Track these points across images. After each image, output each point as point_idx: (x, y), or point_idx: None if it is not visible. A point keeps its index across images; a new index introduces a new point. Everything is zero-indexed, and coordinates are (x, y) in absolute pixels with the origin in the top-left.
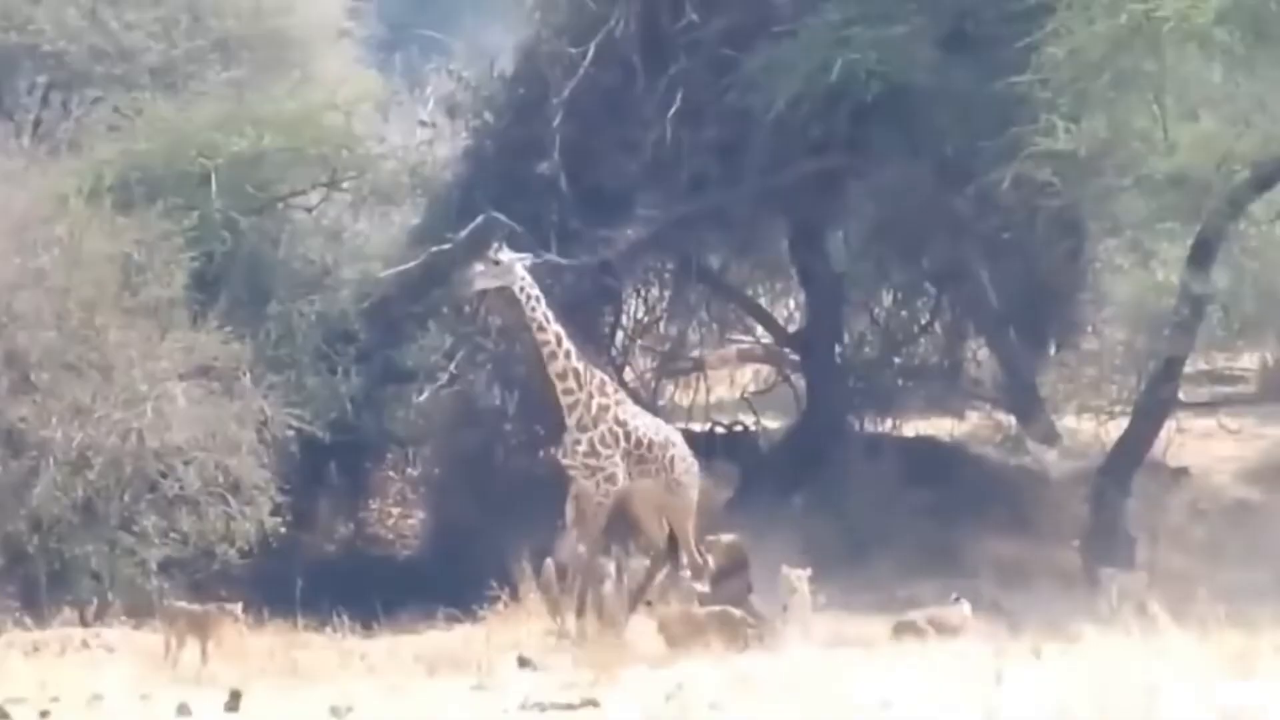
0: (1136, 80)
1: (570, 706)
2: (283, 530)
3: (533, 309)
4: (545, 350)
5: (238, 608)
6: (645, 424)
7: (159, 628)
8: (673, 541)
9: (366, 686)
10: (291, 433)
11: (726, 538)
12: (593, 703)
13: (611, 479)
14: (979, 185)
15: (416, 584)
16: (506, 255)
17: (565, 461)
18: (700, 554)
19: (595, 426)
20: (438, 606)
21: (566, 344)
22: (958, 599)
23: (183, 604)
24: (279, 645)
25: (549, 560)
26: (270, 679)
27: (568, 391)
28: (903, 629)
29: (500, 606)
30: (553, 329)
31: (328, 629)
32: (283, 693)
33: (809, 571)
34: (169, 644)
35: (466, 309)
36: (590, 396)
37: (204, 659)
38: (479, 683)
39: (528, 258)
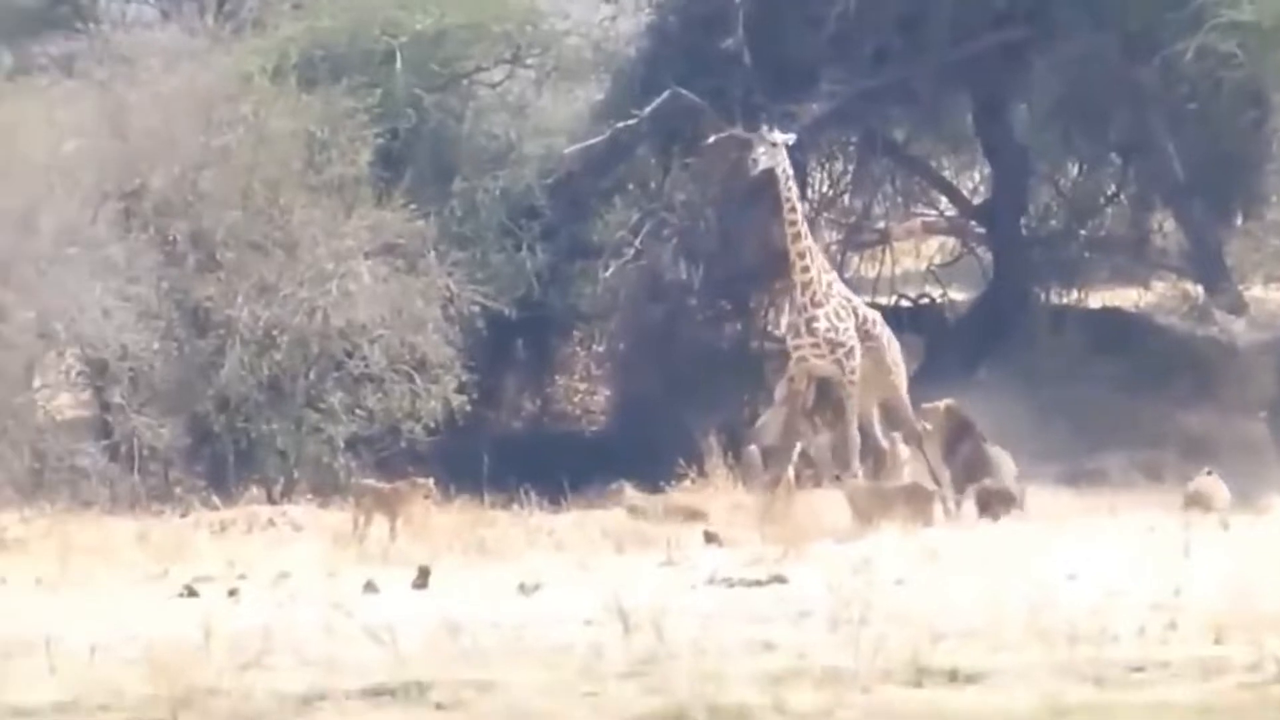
0: None
1: (757, 582)
2: (468, 408)
3: (789, 189)
4: (791, 230)
5: (429, 483)
6: (859, 301)
7: (346, 506)
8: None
9: (554, 563)
10: (477, 309)
11: (944, 403)
12: (779, 578)
13: (851, 353)
14: (1163, 57)
15: (603, 460)
16: (779, 136)
17: (796, 341)
18: (918, 422)
19: (828, 302)
20: (625, 482)
21: (806, 224)
22: (1210, 472)
23: (372, 481)
24: (466, 523)
25: (752, 447)
26: (457, 556)
27: (805, 269)
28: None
29: (687, 482)
30: (801, 209)
31: (514, 506)
32: (470, 570)
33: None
34: (357, 521)
35: (652, 184)
36: (821, 274)
37: (392, 536)
38: (667, 558)
39: (791, 137)
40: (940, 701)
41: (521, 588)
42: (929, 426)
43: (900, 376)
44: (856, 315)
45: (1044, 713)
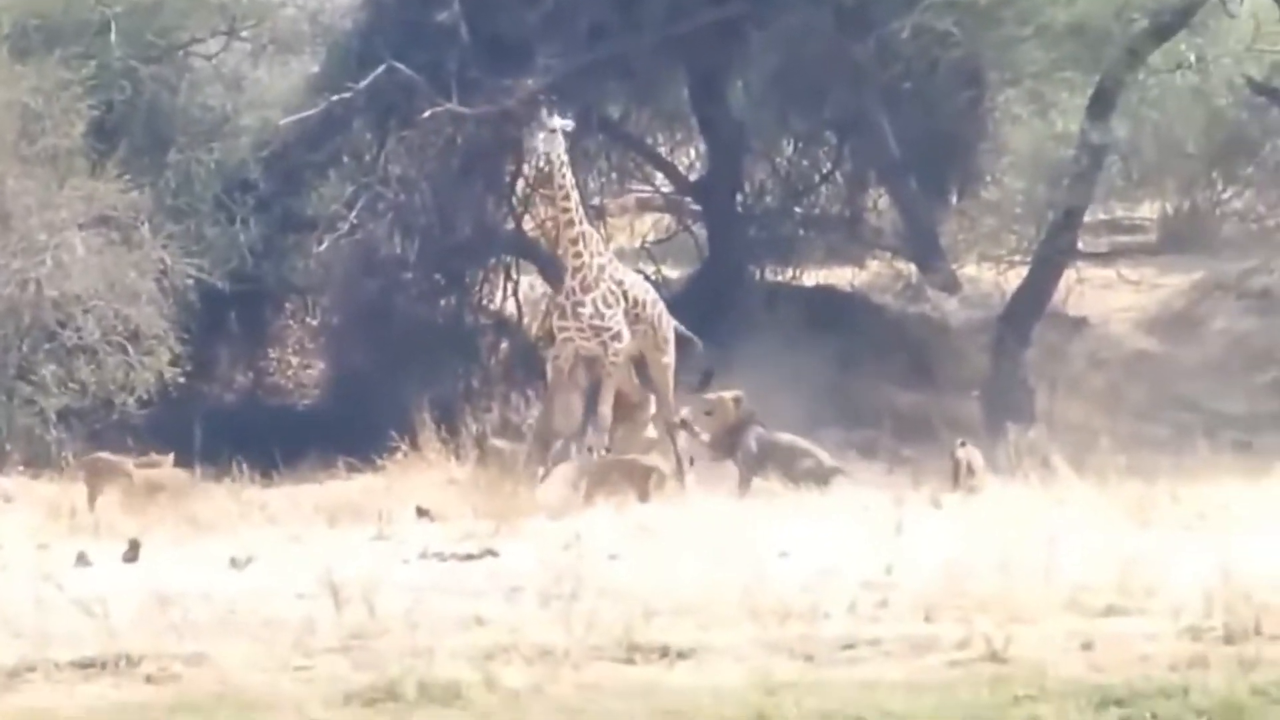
0: None
1: (469, 556)
2: (182, 380)
3: (564, 176)
4: (565, 216)
5: (169, 457)
6: (633, 281)
7: (58, 478)
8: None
9: (266, 536)
10: (191, 282)
11: (731, 394)
12: (491, 553)
13: (618, 337)
14: (880, 34)
15: (316, 434)
16: (557, 121)
17: (562, 324)
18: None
19: (597, 287)
20: (338, 456)
21: (581, 208)
22: (964, 443)
23: (106, 454)
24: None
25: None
26: (169, 529)
27: (577, 255)
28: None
29: (400, 456)
30: (575, 194)
31: (227, 479)
32: (182, 543)
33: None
34: (92, 496)
35: (367, 157)
36: (593, 257)
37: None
38: (379, 532)
39: (570, 124)
40: (652, 678)
41: (233, 561)
42: (709, 414)
43: (669, 356)
44: (626, 299)
45: (754, 689)
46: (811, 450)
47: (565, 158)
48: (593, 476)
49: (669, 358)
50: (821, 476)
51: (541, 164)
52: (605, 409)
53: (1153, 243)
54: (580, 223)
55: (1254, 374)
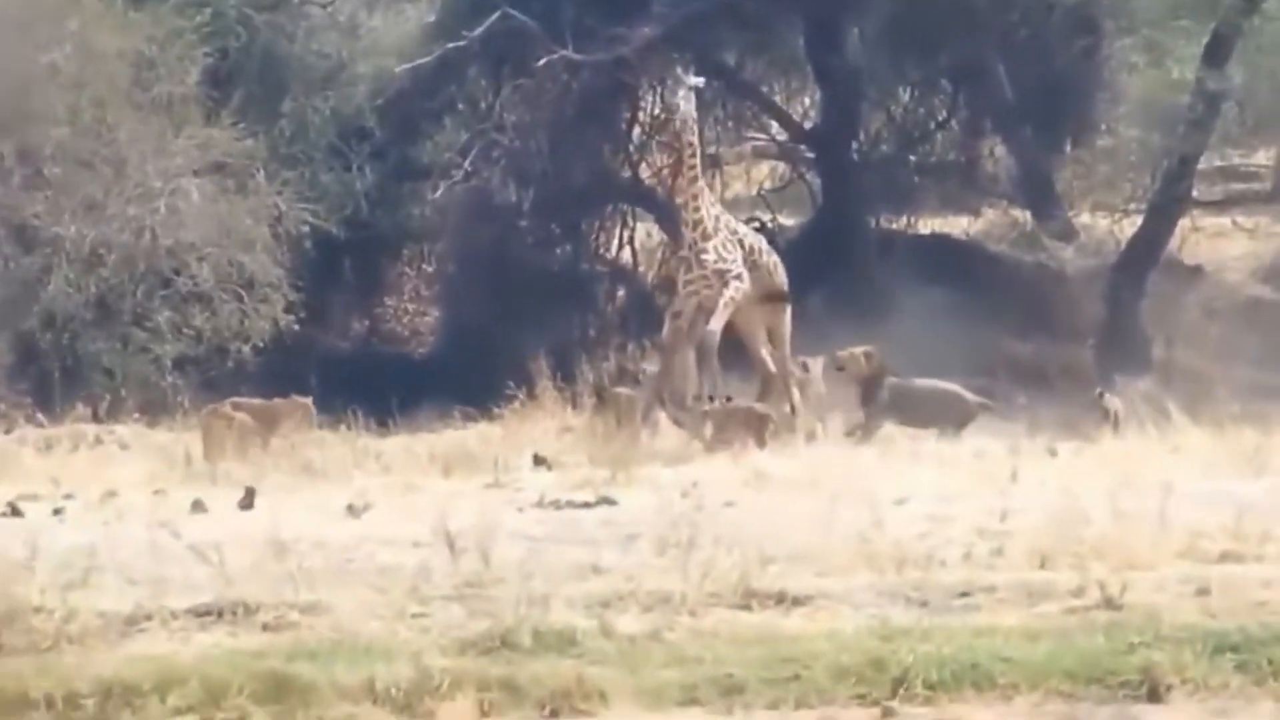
0: None
1: (585, 504)
2: (296, 327)
3: (693, 133)
4: (691, 173)
5: (308, 401)
6: (746, 230)
7: (174, 425)
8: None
9: (382, 485)
10: (306, 229)
11: (860, 349)
12: (608, 500)
13: (740, 278)
14: None
15: (432, 382)
16: (693, 79)
17: (687, 276)
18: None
19: (716, 235)
20: (454, 405)
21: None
22: (1102, 394)
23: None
24: (293, 442)
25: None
26: (285, 477)
27: (696, 209)
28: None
29: (516, 405)
30: (700, 152)
31: (342, 427)
32: (298, 491)
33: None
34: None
35: (482, 105)
36: (710, 208)
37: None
38: (494, 481)
39: (701, 81)
40: (768, 625)
41: (349, 509)
42: (841, 369)
43: (786, 304)
44: (743, 246)
45: (870, 636)
46: (952, 390)
47: (695, 115)
48: (714, 423)
49: (785, 305)
50: (965, 416)
51: (680, 123)
52: (716, 326)
53: (1268, 190)
54: (699, 179)
55: None
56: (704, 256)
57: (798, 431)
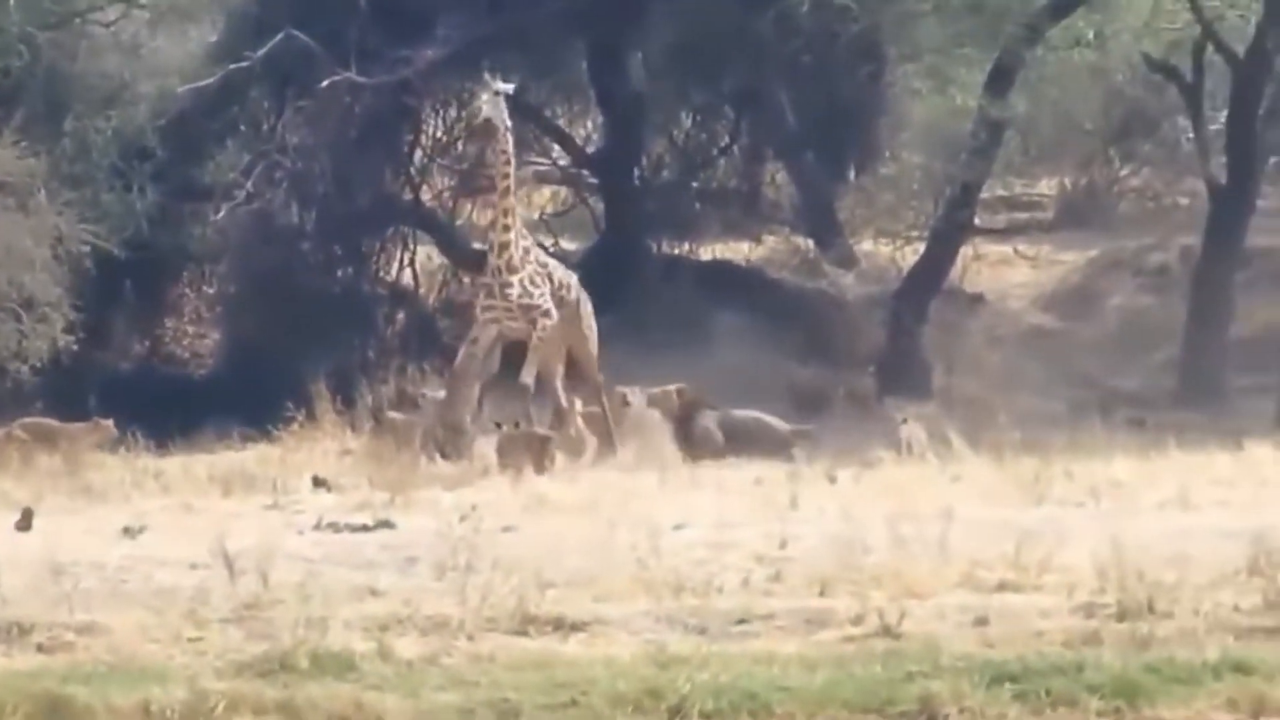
0: None
1: (365, 527)
2: (75, 348)
3: (506, 142)
4: (503, 184)
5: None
6: (555, 263)
7: None
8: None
9: (161, 506)
10: (87, 249)
11: (672, 386)
12: (387, 524)
13: (548, 314)
14: (780, 8)
15: (212, 403)
16: (501, 85)
17: (489, 303)
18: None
19: (524, 268)
20: (233, 426)
21: (514, 181)
22: (905, 420)
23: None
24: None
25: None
26: (62, 498)
27: (506, 229)
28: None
29: (296, 427)
30: (513, 166)
31: (121, 448)
32: (76, 512)
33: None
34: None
35: (265, 126)
36: (519, 236)
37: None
38: (274, 502)
39: (511, 88)
40: (545, 650)
41: (126, 530)
42: (664, 408)
43: (593, 339)
44: (552, 281)
45: (648, 663)
46: (767, 421)
47: (509, 124)
48: (497, 447)
49: (593, 338)
50: (783, 446)
51: (489, 130)
52: (529, 378)
53: (1050, 219)
54: (511, 194)
55: (1149, 351)
56: (508, 290)
57: (585, 459)
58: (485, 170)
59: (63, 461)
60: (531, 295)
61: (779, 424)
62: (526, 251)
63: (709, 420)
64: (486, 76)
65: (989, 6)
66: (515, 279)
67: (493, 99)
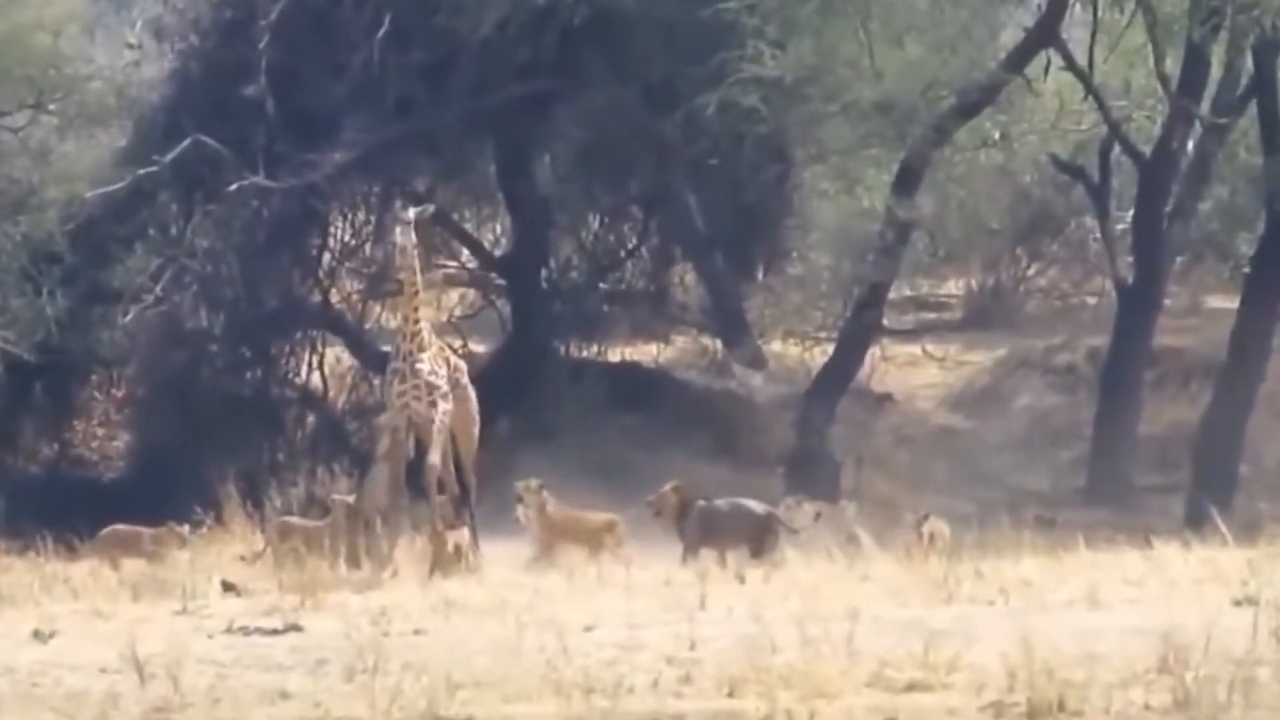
0: (843, 7)
1: (275, 631)
2: None
3: (413, 256)
4: (410, 287)
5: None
6: (449, 353)
7: None
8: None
9: (70, 610)
10: None
11: (670, 485)
12: (296, 627)
13: (446, 397)
14: (686, 110)
15: (121, 506)
16: (412, 213)
17: (400, 387)
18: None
19: (429, 347)
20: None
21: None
22: (927, 515)
23: None
24: None
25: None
26: None
27: (417, 320)
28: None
29: (204, 530)
30: (420, 276)
31: (30, 553)
32: None
33: (539, 481)
34: None
35: (173, 230)
36: (424, 323)
37: None
38: (183, 607)
39: (429, 208)
40: None
41: (36, 634)
42: (662, 509)
43: (475, 425)
44: (449, 364)
45: None
46: (750, 508)
47: (415, 241)
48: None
49: (476, 427)
50: (770, 534)
51: (400, 255)
52: (436, 458)
53: (958, 319)
54: (420, 293)
55: (1057, 450)
56: (419, 366)
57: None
58: (395, 275)
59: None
60: (437, 374)
61: (759, 510)
62: (429, 337)
63: (694, 512)
64: (397, 206)
65: (896, 107)
66: (425, 356)
67: (405, 229)
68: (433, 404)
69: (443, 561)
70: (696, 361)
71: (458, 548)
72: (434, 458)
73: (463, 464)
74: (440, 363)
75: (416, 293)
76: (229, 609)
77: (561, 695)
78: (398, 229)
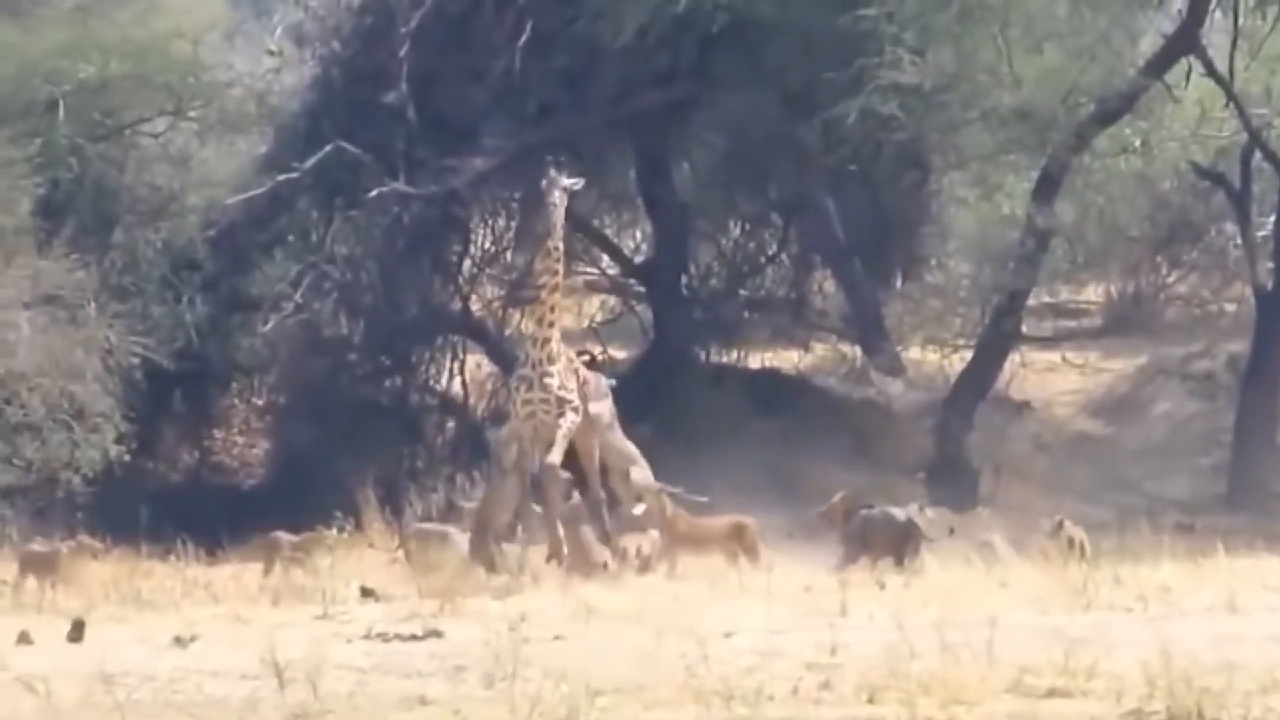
0: (982, 14)
1: (414, 637)
2: (127, 458)
3: (560, 237)
4: (553, 280)
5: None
6: (579, 362)
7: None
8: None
9: (210, 615)
10: (136, 360)
11: (836, 497)
12: (436, 633)
13: (576, 410)
14: (825, 117)
15: (261, 512)
16: (567, 181)
17: (528, 396)
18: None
19: (560, 358)
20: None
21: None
22: (1061, 522)
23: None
24: (122, 574)
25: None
26: (113, 607)
27: (551, 323)
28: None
29: (345, 536)
30: (564, 256)
31: (171, 557)
32: (126, 621)
33: (660, 485)
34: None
35: (313, 237)
36: (556, 330)
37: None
38: (323, 612)
39: (579, 182)
40: None
41: (177, 640)
42: (833, 518)
43: (617, 433)
44: (578, 376)
45: None
46: (894, 515)
47: (564, 221)
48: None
49: (598, 437)
50: (917, 540)
51: (549, 226)
52: (556, 458)
53: (1097, 326)
54: (559, 289)
55: (1196, 457)
56: (548, 380)
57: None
58: (535, 277)
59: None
60: (567, 388)
61: (900, 514)
62: (560, 343)
63: (856, 519)
64: (551, 172)
65: (1036, 114)
66: (555, 369)
67: (562, 194)
68: (561, 415)
69: (580, 561)
70: (836, 368)
71: (639, 551)
72: (552, 455)
73: (590, 473)
74: (569, 375)
75: (557, 285)
76: (368, 615)
77: (701, 702)
78: (556, 192)
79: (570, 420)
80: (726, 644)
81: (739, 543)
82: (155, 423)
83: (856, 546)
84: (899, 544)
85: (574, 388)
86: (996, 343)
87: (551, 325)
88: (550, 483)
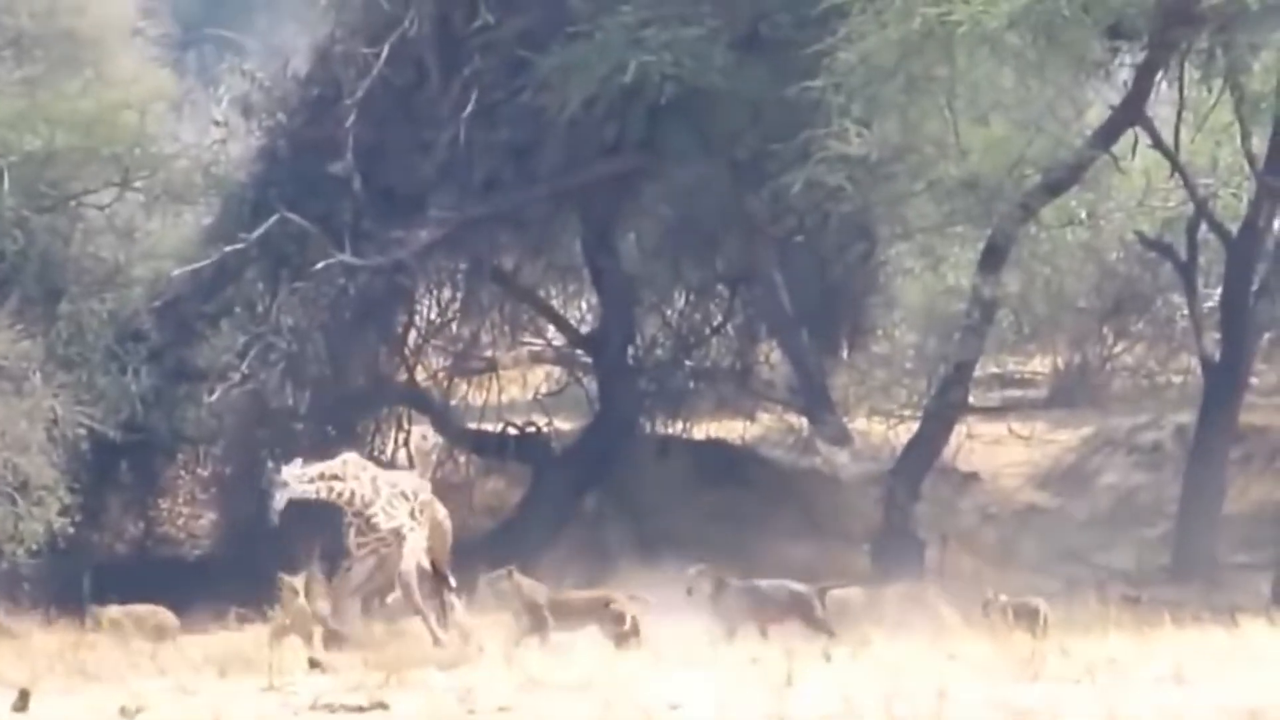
0: (929, 85)
1: (360, 708)
2: (71, 530)
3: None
4: (341, 499)
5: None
6: (402, 477)
7: None
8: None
9: (156, 687)
10: (82, 432)
11: (693, 569)
12: (381, 704)
13: (414, 530)
14: (772, 188)
15: (207, 584)
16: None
17: (359, 540)
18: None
19: (379, 496)
20: (228, 607)
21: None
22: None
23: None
24: (67, 645)
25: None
26: (59, 679)
27: (350, 500)
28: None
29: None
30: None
31: (116, 629)
32: (72, 693)
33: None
34: None
35: (259, 308)
36: (361, 470)
37: None
38: (269, 684)
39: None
40: None
41: (123, 711)
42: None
43: (448, 536)
44: (406, 497)
45: None
46: (785, 585)
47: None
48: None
49: (448, 536)
50: (810, 612)
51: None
52: (408, 565)
53: (1044, 397)
54: (341, 485)
55: (1142, 529)
56: (374, 520)
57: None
58: (478, 352)
59: None
60: (395, 519)
61: (795, 587)
62: (374, 480)
63: (730, 591)
64: (270, 468)
65: (982, 185)
66: (377, 509)
67: (282, 489)
68: (400, 540)
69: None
70: (782, 439)
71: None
72: (406, 565)
73: (440, 568)
74: (397, 502)
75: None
76: (315, 686)
77: None
78: (277, 494)
79: (414, 541)
80: (672, 715)
81: (605, 615)
82: (101, 493)
83: (736, 617)
84: (783, 615)
85: (404, 511)
86: (943, 413)
87: (351, 500)
88: (409, 590)
